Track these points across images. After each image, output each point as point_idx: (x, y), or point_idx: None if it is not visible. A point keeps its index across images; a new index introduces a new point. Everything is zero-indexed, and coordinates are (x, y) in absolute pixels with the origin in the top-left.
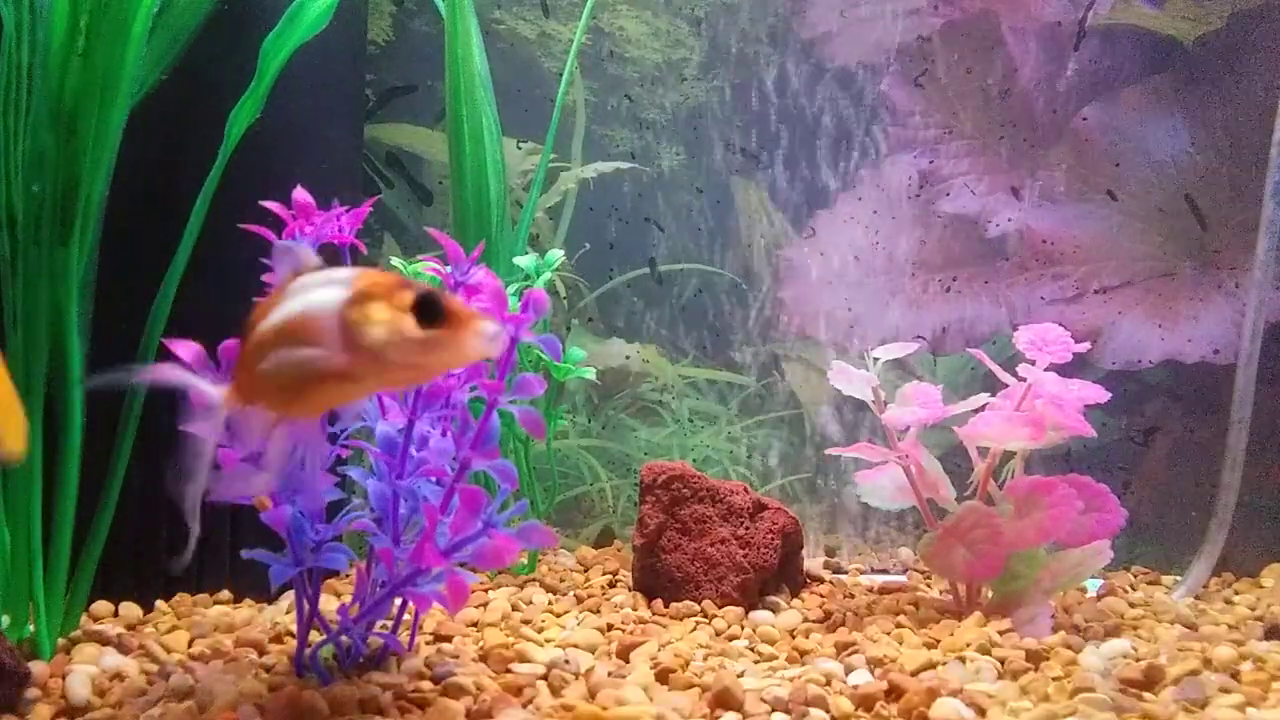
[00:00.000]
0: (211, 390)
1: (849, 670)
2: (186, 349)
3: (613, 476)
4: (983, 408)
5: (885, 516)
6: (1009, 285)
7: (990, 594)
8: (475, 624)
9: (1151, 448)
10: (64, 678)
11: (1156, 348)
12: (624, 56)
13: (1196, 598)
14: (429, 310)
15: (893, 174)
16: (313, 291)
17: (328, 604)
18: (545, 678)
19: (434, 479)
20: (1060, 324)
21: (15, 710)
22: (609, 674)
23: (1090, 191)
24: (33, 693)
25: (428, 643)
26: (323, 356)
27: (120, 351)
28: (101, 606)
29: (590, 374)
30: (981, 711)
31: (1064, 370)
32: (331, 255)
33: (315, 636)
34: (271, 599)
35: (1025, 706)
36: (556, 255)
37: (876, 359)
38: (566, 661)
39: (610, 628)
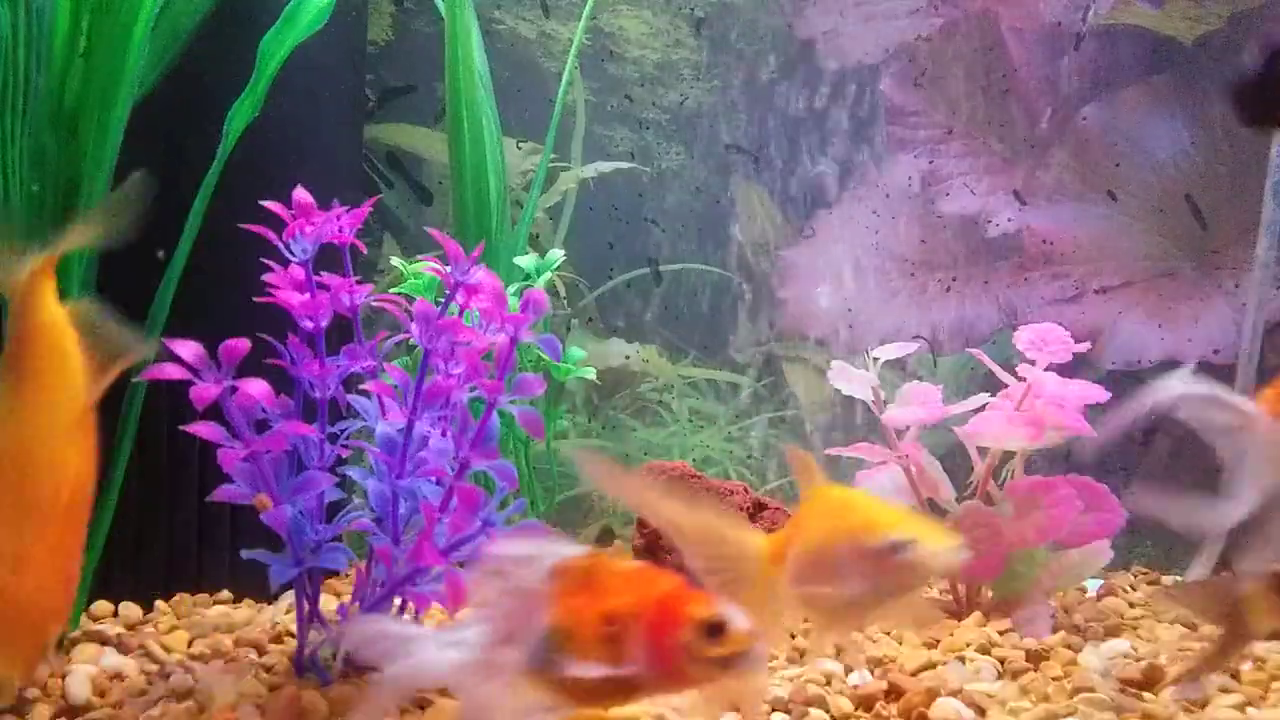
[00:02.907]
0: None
1: (849, 670)
2: (186, 349)
3: None
4: (983, 408)
5: None
6: (1009, 285)
7: (990, 594)
8: None
9: (1151, 448)
10: (64, 678)
11: (1156, 348)
12: (624, 56)
13: None
14: None
15: (893, 174)
16: None
17: (328, 604)
18: None
19: (434, 479)
20: (1060, 324)
21: (15, 710)
22: None
23: (1090, 191)
24: (32, 692)
25: None
26: None
27: None
28: (101, 606)
29: (590, 374)
30: (981, 711)
31: (1064, 370)
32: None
33: (315, 636)
34: (271, 599)
35: (1025, 706)
36: (556, 255)
37: (876, 359)
38: None
39: None
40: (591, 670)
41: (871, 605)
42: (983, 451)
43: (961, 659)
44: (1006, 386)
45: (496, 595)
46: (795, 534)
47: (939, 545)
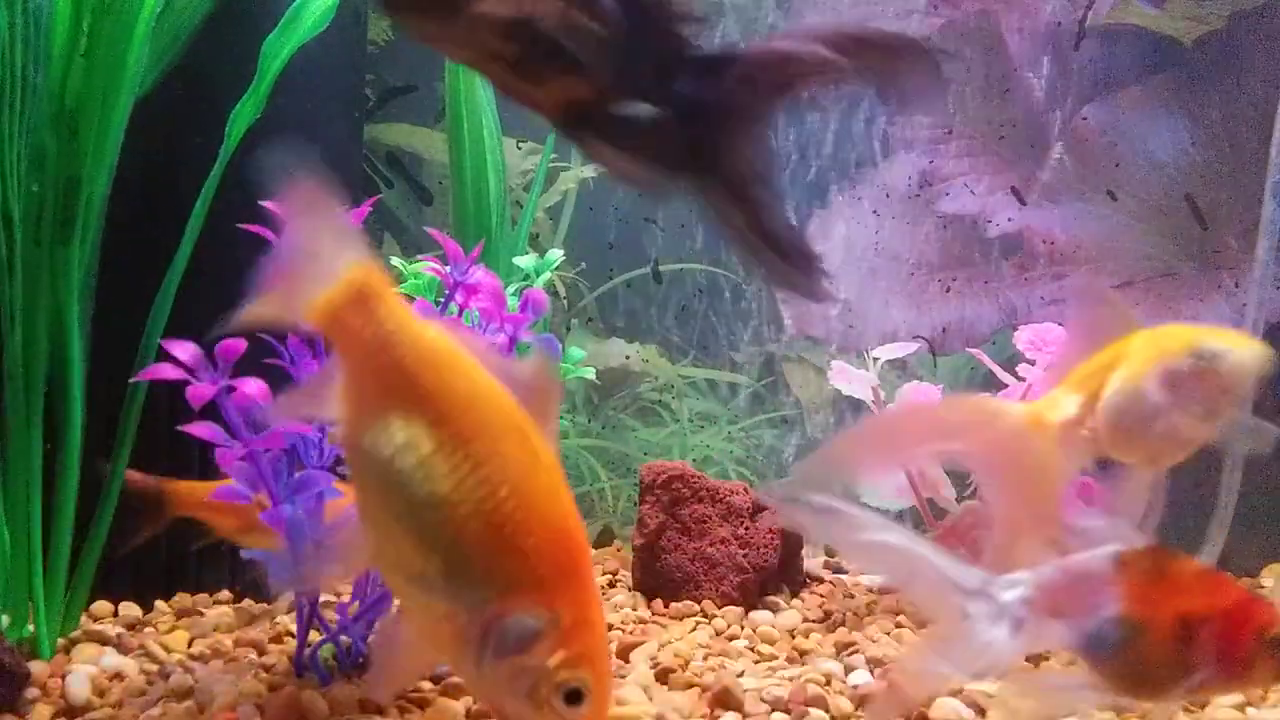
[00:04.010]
0: None
1: (849, 670)
2: (183, 349)
3: (613, 476)
4: None
5: (884, 516)
6: (1009, 285)
7: None
8: None
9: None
10: (64, 678)
11: None
12: None
13: None
14: None
15: (893, 174)
16: None
17: (328, 604)
18: None
19: None
20: (1060, 324)
21: (15, 710)
22: None
23: (1090, 191)
24: (32, 693)
25: None
26: None
27: (120, 351)
28: (101, 606)
29: (590, 374)
30: (981, 711)
31: None
32: None
33: (315, 636)
34: (271, 599)
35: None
36: (556, 255)
37: (876, 359)
38: None
39: (610, 628)
40: (1164, 669)
41: (1196, 432)
42: None
43: None
44: (1006, 386)
45: (1052, 570)
46: (1093, 385)
47: (1244, 348)
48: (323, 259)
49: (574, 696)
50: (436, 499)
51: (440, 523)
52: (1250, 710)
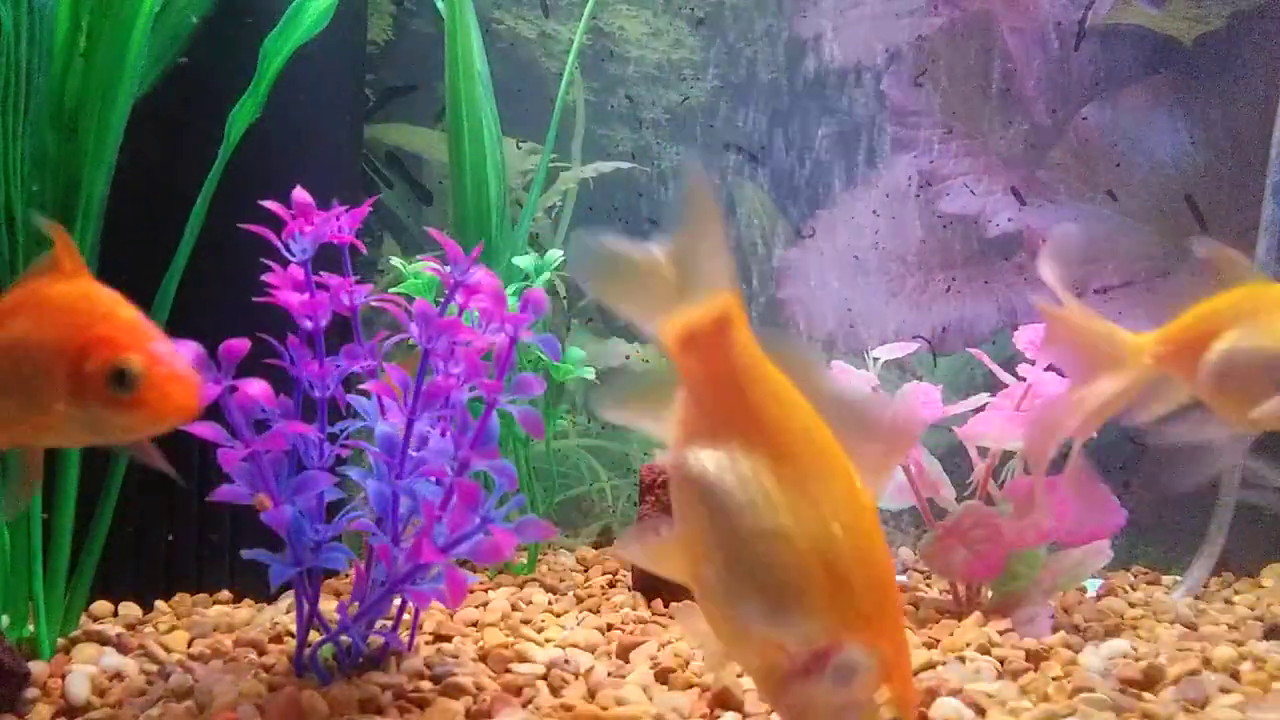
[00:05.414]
0: None
1: None
2: (186, 349)
3: (612, 476)
4: (983, 408)
5: (884, 516)
6: (1009, 285)
7: (990, 594)
8: (475, 624)
9: (1151, 448)
10: (63, 677)
11: None
12: (624, 56)
13: (1196, 598)
14: None
15: (893, 174)
16: None
17: (327, 604)
18: (545, 677)
19: (433, 479)
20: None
21: (15, 710)
22: (609, 674)
23: (1090, 191)
24: (32, 692)
25: (427, 642)
26: None
27: None
28: (101, 606)
29: (590, 374)
30: (981, 711)
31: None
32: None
33: (315, 636)
34: (271, 599)
35: (1025, 706)
36: (556, 255)
37: (876, 359)
38: (566, 661)
39: (610, 627)
40: None
41: None
42: (983, 451)
43: (961, 659)
44: (1006, 386)
45: None
46: (1202, 328)
47: None
48: (689, 280)
49: None
50: (776, 533)
51: (777, 556)
52: (1251, 711)
